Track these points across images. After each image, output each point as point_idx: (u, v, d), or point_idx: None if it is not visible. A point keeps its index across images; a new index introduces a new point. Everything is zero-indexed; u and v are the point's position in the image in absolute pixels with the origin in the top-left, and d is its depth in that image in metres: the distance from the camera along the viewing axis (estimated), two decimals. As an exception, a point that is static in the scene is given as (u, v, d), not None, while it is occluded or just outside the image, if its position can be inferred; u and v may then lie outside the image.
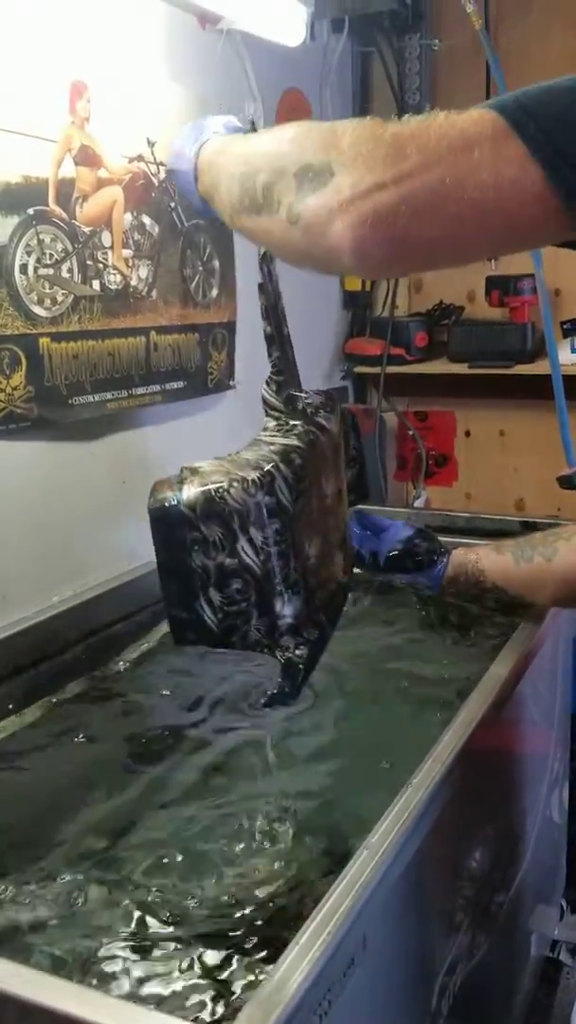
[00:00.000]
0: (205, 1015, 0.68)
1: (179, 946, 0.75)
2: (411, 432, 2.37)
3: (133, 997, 0.69)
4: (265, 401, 1.00)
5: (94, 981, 0.71)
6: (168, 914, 0.79)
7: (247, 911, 0.79)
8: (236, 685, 1.20)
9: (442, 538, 1.33)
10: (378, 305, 2.34)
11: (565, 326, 2.06)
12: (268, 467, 0.89)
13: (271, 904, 0.80)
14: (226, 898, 0.81)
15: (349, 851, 0.80)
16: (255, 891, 0.82)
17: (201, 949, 0.74)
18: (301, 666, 0.94)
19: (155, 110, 1.42)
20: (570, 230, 0.74)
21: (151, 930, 0.78)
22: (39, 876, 0.85)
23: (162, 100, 1.45)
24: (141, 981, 0.72)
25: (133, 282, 1.41)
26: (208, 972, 0.72)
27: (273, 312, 0.99)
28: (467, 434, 2.39)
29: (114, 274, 1.37)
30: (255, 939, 0.75)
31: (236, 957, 0.73)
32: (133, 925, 0.78)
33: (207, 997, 0.69)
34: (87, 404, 1.33)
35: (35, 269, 1.22)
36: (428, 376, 2.28)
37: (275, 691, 0.95)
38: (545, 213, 0.72)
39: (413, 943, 0.92)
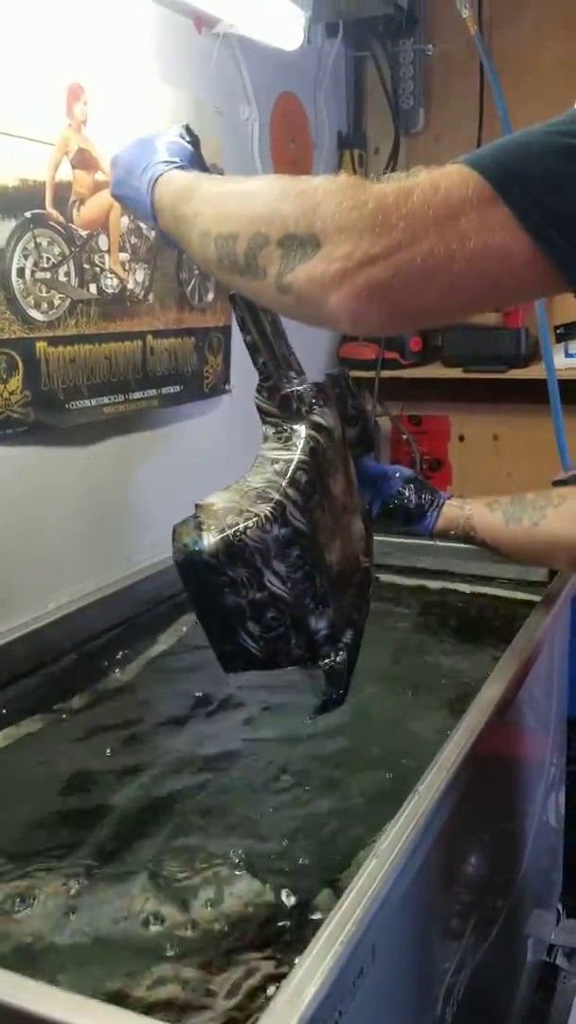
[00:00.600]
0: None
1: (188, 961, 0.74)
2: (405, 436, 2.37)
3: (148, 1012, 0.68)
4: (260, 409, 1.00)
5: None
6: (175, 928, 0.79)
7: (252, 926, 0.79)
8: (236, 685, 1.19)
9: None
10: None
11: (559, 330, 2.06)
12: (277, 497, 0.90)
13: (273, 919, 0.80)
14: (231, 912, 0.81)
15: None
16: (257, 908, 0.82)
17: (211, 962, 0.74)
18: (343, 672, 0.96)
19: (152, 113, 1.41)
20: (563, 288, 0.74)
21: (157, 944, 0.77)
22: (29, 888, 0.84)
23: (159, 103, 1.44)
24: (152, 997, 0.71)
25: (130, 286, 1.41)
26: (220, 986, 0.71)
27: (254, 319, 0.98)
28: (461, 438, 2.39)
29: (111, 278, 1.36)
30: (264, 953, 0.75)
31: (246, 971, 0.72)
32: (140, 939, 0.77)
33: (222, 1011, 0.69)
34: (84, 408, 1.33)
35: (32, 273, 1.21)
36: (422, 380, 2.28)
37: (324, 699, 0.96)
38: (536, 276, 0.72)
39: (418, 951, 0.92)
